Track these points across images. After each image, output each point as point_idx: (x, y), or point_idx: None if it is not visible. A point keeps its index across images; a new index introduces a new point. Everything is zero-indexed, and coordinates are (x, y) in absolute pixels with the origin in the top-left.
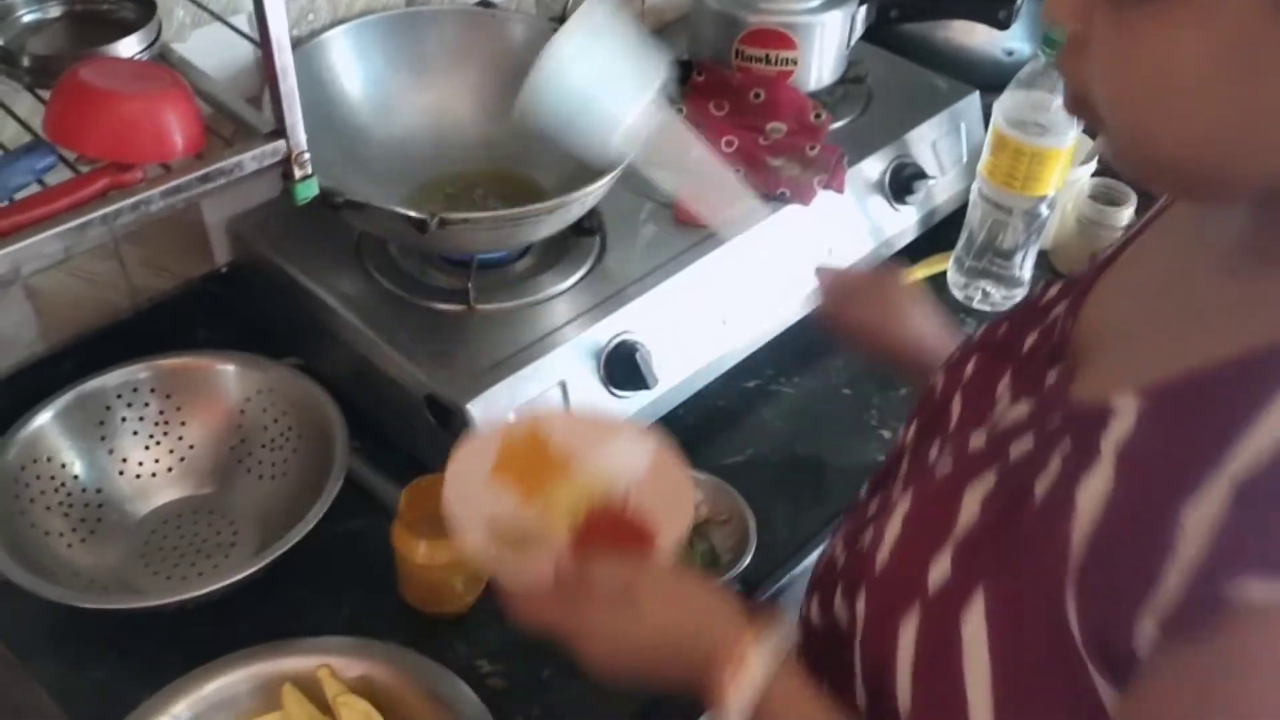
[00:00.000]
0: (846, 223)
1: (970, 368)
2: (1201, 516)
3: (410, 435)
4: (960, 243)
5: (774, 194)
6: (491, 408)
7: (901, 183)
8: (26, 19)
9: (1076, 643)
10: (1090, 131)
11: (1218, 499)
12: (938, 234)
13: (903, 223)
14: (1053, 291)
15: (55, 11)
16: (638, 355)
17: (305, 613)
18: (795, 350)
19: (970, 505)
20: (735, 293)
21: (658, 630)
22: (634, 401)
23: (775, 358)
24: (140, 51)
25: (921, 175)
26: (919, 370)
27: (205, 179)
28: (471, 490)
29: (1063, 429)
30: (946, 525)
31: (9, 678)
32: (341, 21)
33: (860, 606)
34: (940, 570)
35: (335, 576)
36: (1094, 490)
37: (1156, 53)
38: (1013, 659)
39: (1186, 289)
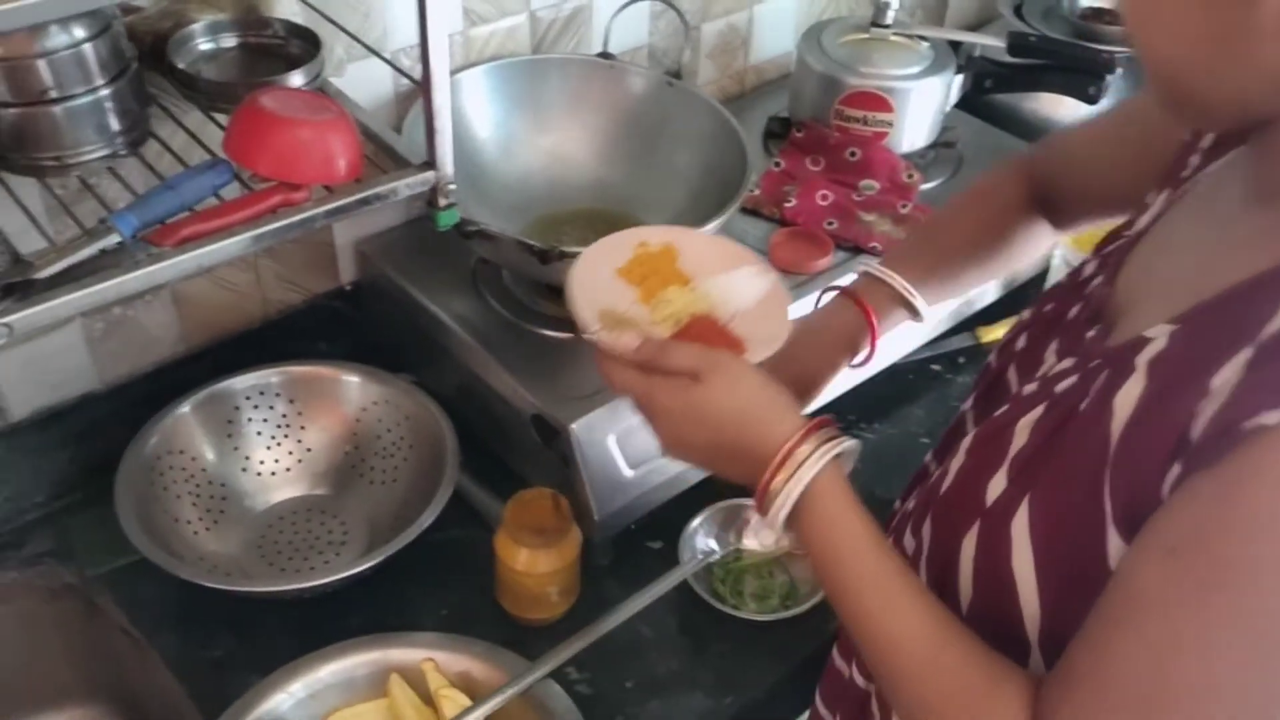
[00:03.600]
0: None
1: (1021, 342)
2: (1224, 380)
3: (514, 451)
4: None
5: (866, 247)
6: (593, 430)
7: None
8: (203, 47)
9: (1106, 522)
10: None
11: (1239, 364)
12: (1018, 295)
13: None
14: (1089, 268)
15: (230, 42)
16: None
17: (407, 610)
18: (877, 398)
19: (1022, 432)
20: None
21: (719, 414)
22: None
23: (858, 404)
24: (306, 84)
25: None
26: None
27: (364, 202)
28: (596, 280)
29: (1101, 365)
30: (1002, 450)
31: (134, 655)
32: (474, 64)
33: (926, 529)
34: (997, 487)
35: (436, 579)
36: (1129, 394)
37: None
38: (1051, 549)
39: (1204, 241)
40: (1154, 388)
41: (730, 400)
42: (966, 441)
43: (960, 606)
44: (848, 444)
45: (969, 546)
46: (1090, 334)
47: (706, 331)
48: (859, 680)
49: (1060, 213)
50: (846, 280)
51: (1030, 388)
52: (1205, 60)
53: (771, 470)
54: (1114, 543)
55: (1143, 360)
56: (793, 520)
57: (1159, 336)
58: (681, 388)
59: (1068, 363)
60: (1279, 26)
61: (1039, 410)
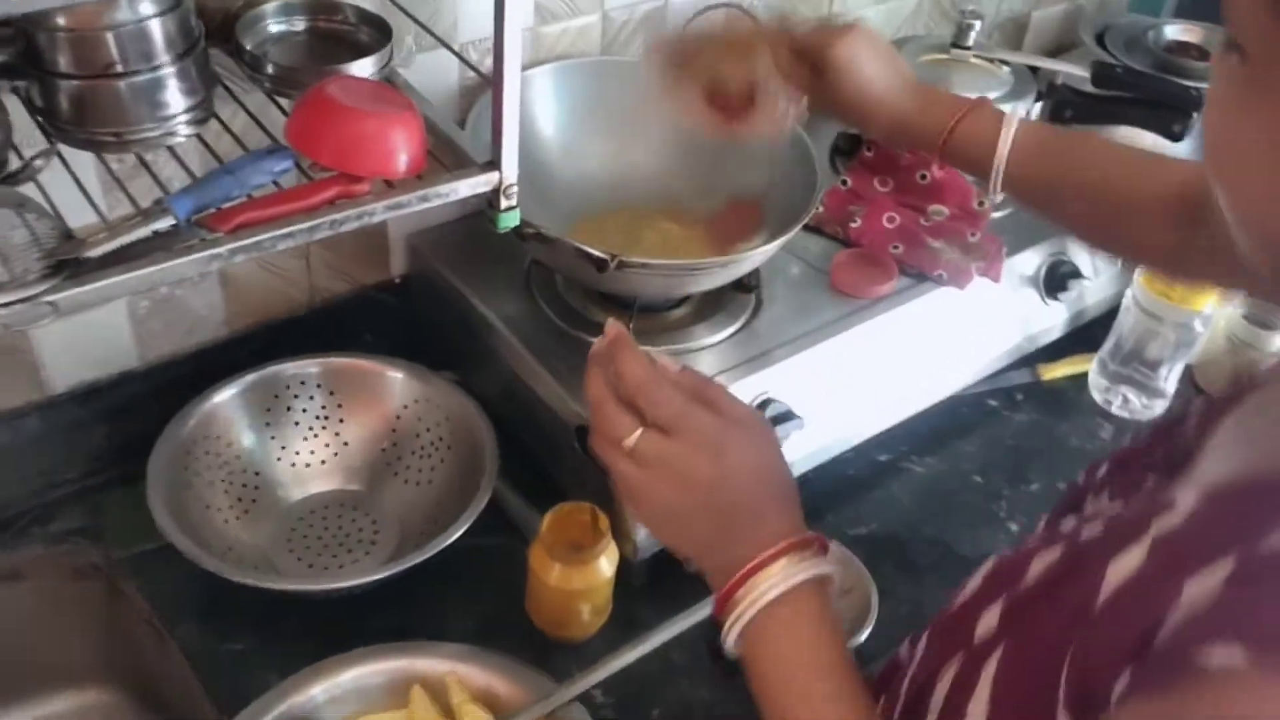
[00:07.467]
0: (997, 311)
1: (1101, 471)
2: (1200, 588)
3: (554, 461)
4: (1107, 346)
5: (931, 274)
6: None
7: (1056, 279)
8: (273, 29)
9: (1058, 705)
10: None
11: (1219, 574)
12: (1083, 334)
13: (1052, 319)
14: (1195, 406)
15: (300, 26)
16: (781, 416)
17: (433, 616)
18: (930, 430)
19: (1034, 572)
20: (879, 366)
21: (725, 489)
22: None
23: (910, 435)
24: (374, 73)
25: (1077, 274)
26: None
27: (424, 198)
28: None
29: (1123, 520)
30: (1007, 585)
31: (153, 642)
32: (542, 62)
33: (920, 647)
34: (987, 624)
35: (466, 587)
36: (1125, 565)
37: (1235, 112)
38: (1002, 709)
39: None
40: (1144, 570)
41: (744, 480)
42: (987, 565)
43: None
44: (829, 562)
45: (946, 679)
46: (1148, 482)
47: None
48: None
49: (1215, 249)
50: (915, 302)
51: (1070, 523)
52: None
53: (739, 578)
54: None
55: (1153, 532)
56: (742, 638)
57: (1181, 505)
58: (698, 449)
59: (1114, 507)
60: None
61: (1056, 552)
